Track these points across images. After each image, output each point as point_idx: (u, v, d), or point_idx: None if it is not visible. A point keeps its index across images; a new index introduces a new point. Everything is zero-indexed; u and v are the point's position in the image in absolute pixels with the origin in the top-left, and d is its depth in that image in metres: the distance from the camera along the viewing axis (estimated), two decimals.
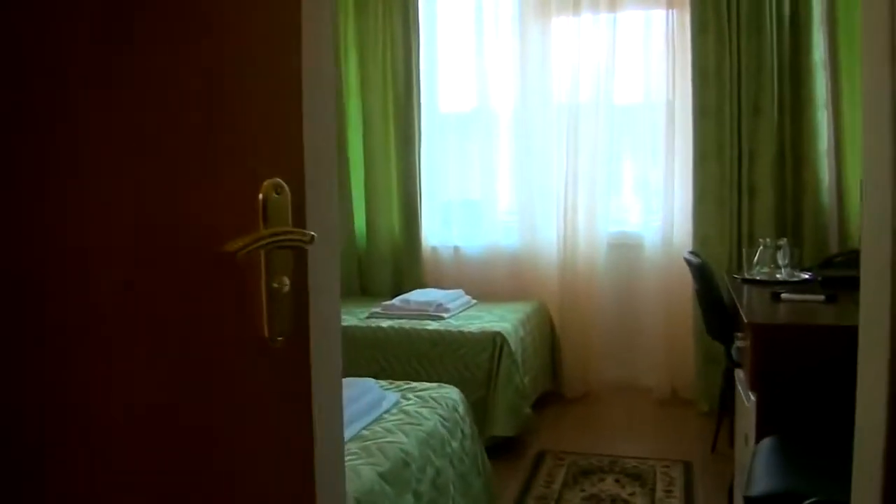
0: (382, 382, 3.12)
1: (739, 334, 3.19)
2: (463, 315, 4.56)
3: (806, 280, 3.72)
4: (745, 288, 3.67)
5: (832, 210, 4.61)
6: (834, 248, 4.59)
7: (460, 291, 4.92)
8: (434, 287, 5.26)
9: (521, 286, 5.24)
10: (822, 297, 3.14)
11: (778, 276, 3.79)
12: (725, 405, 4.08)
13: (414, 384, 3.14)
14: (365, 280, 5.52)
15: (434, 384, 3.17)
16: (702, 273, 3.55)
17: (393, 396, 2.90)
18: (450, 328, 4.25)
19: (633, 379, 5.21)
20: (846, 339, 2.57)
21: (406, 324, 4.36)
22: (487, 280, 5.30)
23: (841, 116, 4.54)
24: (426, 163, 5.36)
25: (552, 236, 5.14)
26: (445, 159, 5.45)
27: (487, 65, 5.23)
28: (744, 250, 3.97)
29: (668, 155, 4.92)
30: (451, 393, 3.05)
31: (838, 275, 3.61)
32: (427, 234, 5.41)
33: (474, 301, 4.96)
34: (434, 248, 5.44)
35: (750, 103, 4.62)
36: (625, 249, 5.20)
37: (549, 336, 5.06)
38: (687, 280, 4.18)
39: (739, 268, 4.43)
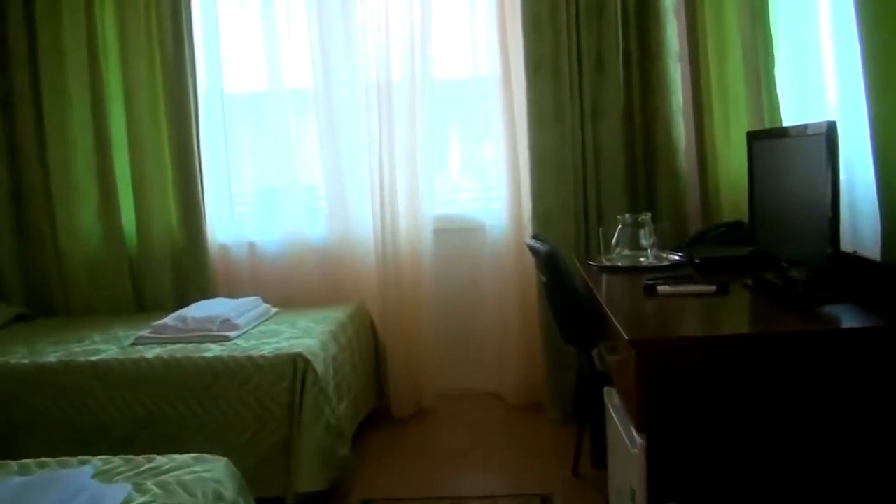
0: (115, 461, 2.12)
1: (608, 344, 2.40)
2: (257, 332, 3.59)
3: (677, 263, 2.99)
4: (605, 278, 2.90)
5: (691, 176, 3.94)
6: (695, 220, 3.93)
7: (256, 300, 3.94)
8: (226, 296, 4.26)
9: (335, 286, 4.32)
10: (711, 288, 2.39)
11: (642, 260, 3.05)
12: (583, 415, 3.33)
13: (159, 462, 2.14)
14: (140, 291, 4.41)
15: (191, 457, 2.18)
16: (551, 263, 2.73)
17: (119, 491, 1.90)
18: (236, 352, 3.27)
19: (476, 386, 4.42)
20: (772, 351, 1.88)
21: (179, 350, 3.34)
22: (292, 282, 4.34)
23: (699, 69, 3.86)
24: (209, 148, 4.34)
25: (368, 225, 4.23)
26: (235, 144, 4.45)
27: (281, 40, 4.27)
28: (600, 230, 3.19)
29: (509, 127, 4.13)
30: (215, 470, 2.09)
31: (717, 255, 2.90)
32: (214, 230, 4.38)
33: (275, 310, 3.99)
34: (224, 247, 4.42)
35: (592, 56, 3.87)
36: (461, 235, 4.37)
37: (371, 344, 4.16)
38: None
39: (589, 251, 3.68)
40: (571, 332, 2.85)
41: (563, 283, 2.72)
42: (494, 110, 4.14)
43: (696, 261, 2.91)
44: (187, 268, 4.29)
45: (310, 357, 3.19)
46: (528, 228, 4.01)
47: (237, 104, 4.45)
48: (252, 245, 4.41)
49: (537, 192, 3.91)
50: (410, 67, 4.11)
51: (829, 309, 2.07)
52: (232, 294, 4.34)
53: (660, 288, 2.43)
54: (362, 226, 4.25)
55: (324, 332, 3.54)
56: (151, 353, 3.34)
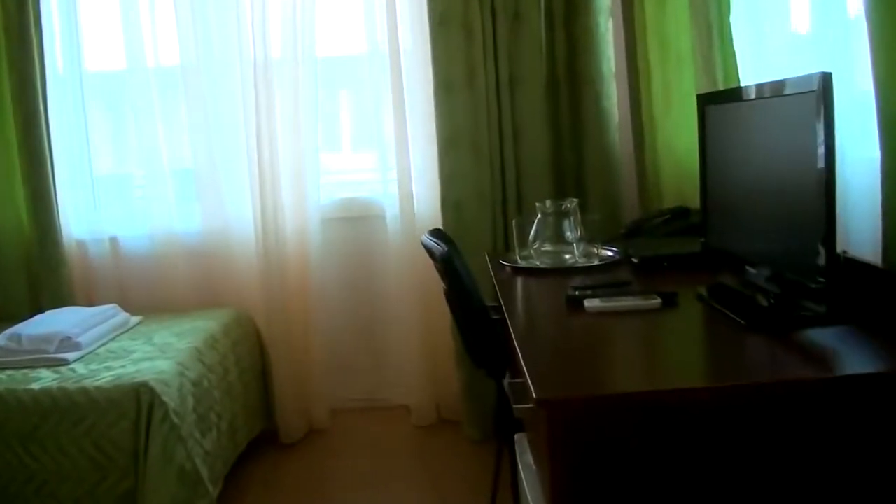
0: None
1: (518, 382, 1.80)
2: (104, 352, 2.92)
3: (610, 262, 2.42)
4: (519, 284, 2.31)
5: (626, 154, 3.37)
6: (630, 207, 3.37)
7: (112, 308, 3.27)
8: (84, 301, 3.60)
9: (211, 289, 3.67)
10: (655, 303, 1.81)
11: (567, 257, 2.46)
12: (505, 434, 2.75)
13: None
14: None
15: None
16: (448, 269, 2.12)
17: None
18: (68, 383, 2.60)
19: (379, 399, 3.81)
20: (740, 408, 1.31)
21: (5, 381, 2.66)
22: (161, 285, 3.67)
23: (634, 24, 3.28)
24: (63, 129, 3.61)
25: (247, 216, 3.57)
26: (94, 127, 3.73)
27: (142, 15, 3.56)
28: (514, 221, 2.58)
29: (417, 101, 3.50)
30: None
31: (661, 252, 2.33)
32: (69, 224, 3.67)
33: (136, 320, 3.33)
34: (81, 243, 3.71)
35: (508, 11, 3.26)
36: (357, 225, 3.75)
37: (256, 357, 3.52)
38: None
39: (508, 247, 3.10)
40: (478, 354, 2.25)
41: (462, 293, 2.11)
42: (392, 83, 3.49)
43: (634, 259, 2.34)
44: (38, 268, 3.59)
45: (157, 387, 2.54)
46: (431, 215, 3.42)
47: (96, 84, 3.72)
48: (114, 241, 3.71)
49: (447, 176, 3.31)
50: (293, 44, 3.47)
51: (816, 336, 1.51)
52: (91, 299, 3.67)
53: (587, 302, 1.85)
54: (241, 218, 3.59)
55: (184, 349, 2.90)
56: None
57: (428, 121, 3.42)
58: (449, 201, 3.31)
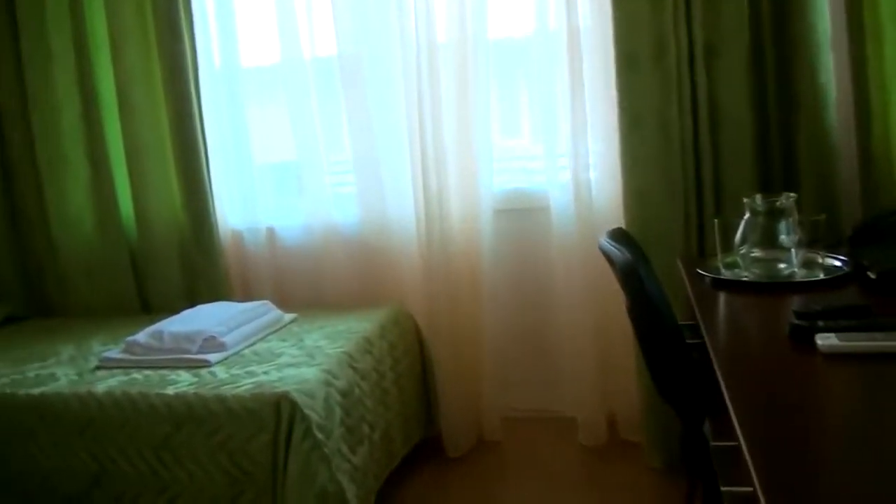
0: None
1: (728, 446, 1.38)
2: (249, 353, 2.71)
3: (839, 276, 1.93)
4: (722, 301, 1.87)
5: (849, 140, 2.82)
6: (852, 202, 2.81)
7: (265, 305, 3.07)
8: (241, 293, 3.47)
9: (371, 282, 3.42)
10: None
11: (782, 266, 2.00)
12: (695, 466, 2.32)
13: None
14: (144, 288, 3.62)
15: None
16: (632, 282, 1.71)
17: None
18: (205, 388, 2.40)
19: (549, 413, 3.44)
20: None
21: (139, 384, 2.50)
22: (319, 276, 3.46)
23: None
24: (218, 123, 3.48)
25: (408, 206, 3.28)
26: (250, 119, 3.52)
27: (297, 8, 3.33)
28: (716, 221, 2.13)
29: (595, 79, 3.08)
30: None
31: None
32: (225, 213, 3.53)
33: (290, 318, 3.12)
34: (237, 233, 3.57)
35: None
36: (525, 217, 3.39)
37: (416, 358, 3.24)
38: None
39: (703, 251, 2.64)
40: (664, 390, 1.84)
41: (649, 313, 1.70)
42: (569, 61, 3.06)
43: (871, 274, 1.85)
44: (195, 258, 3.46)
45: (300, 399, 2.29)
46: (603, 208, 3.03)
47: (252, 78, 3.53)
48: (270, 231, 3.53)
49: (629, 162, 2.87)
50: (460, 27, 3.13)
51: None
52: (248, 291, 3.52)
53: (820, 339, 1.41)
54: (402, 209, 3.31)
55: (335, 354, 2.63)
56: (104, 385, 2.52)
57: (606, 103, 3.00)
58: (631, 190, 2.87)
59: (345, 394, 2.54)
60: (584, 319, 3.16)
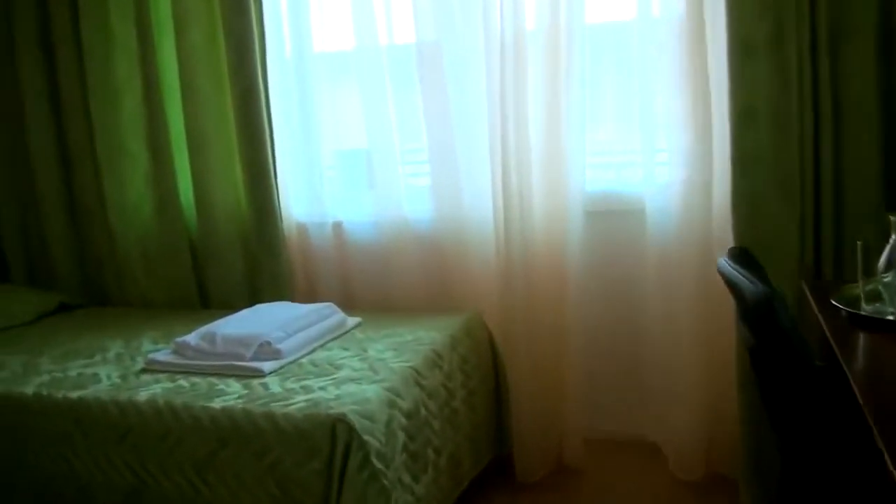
0: None
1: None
2: (307, 363, 2.46)
3: None
4: (863, 344, 1.53)
5: None
6: None
7: (327, 307, 2.81)
8: (305, 292, 3.26)
9: (441, 284, 3.14)
10: None
11: None
12: None
13: None
14: (204, 281, 3.42)
15: None
16: (769, 321, 1.37)
17: None
18: (255, 403, 2.15)
19: (638, 438, 3.11)
20: None
21: (184, 393, 2.28)
22: (388, 275, 3.20)
23: None
24: (286, 111, 3.24)
25: (486, 203, 2.98)
26: (319, 106, 3.25)
27: None
28: (859, 244, 1.77)
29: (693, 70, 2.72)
30: None
31: None
32: (290, 205, 3.30)
33: (354, 322, 2.86)
34: (302, 226, 3.33)
35: None
36: (617, 220, 3.06)
37: (489, 372, 2.95)
38: None
39: (819, 261, 2.29)
40: (784, 429, 1.50)
41: (785, 358, 1.36)
42: (682, 47, 2.71)
43: None
44: (257, 251, 3.24)
45: (358, 423, 2.02)
46: (702, 212, 2.69)
47: (323, 65, 3.27)
48: (338, 226, 3.29)
49: (740, 158, 2.51)
50: (552, 12, 2.80)
51: None
52: (313, 290, 3.29)
53: None
54: (479, 206, 3.01)
55: (400, 369, 2.36)
56: (146, 393, 2.30)
57: (715, 95, 2.65)
58: (741, 192, 2.52)
59: (410, 415, 2.26)
60: (680, 337, 2.81)
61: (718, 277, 1.68)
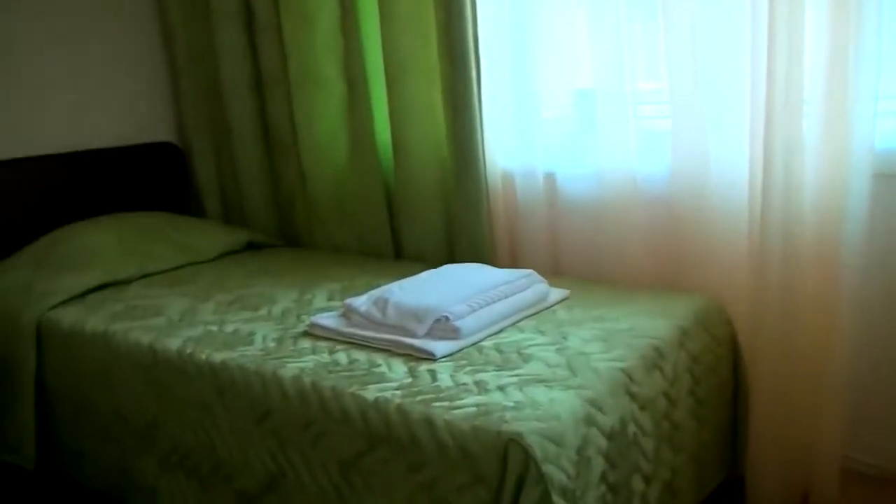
0: None
1: None
2: (489, 347, 1.96)
3: None
4: None
5: None
6: None
7: (527, 275, 2.28)
8: (506, 252, 2.76)
9: (672, 258, 2.52)
10: None
11: None
12: None
13: None
14: (398, 229, 3.03)
15: None
16: None
17: None
18: (414, 401, 1.68)
19: None
20: None
21: (342, 370, 1.86)
22: (606, 240, 2.62)
23: None
24: (497, 36, 2.70)
25: (742, 162, 2.31)
26: (532, 42, 2.65)
27: None
28: None
29: None
30: None
31: None
32: (496, 150, 2.79)
33: (558, 294, 2.32)
34: (508, 175, 2.82)
35: None
36: None
37: (727, 379, 2.30)
38: None
39: None
40: None
41: None
42: None
43: None
44: (455, 204, 2.78)
45: (538, 446, 1.50)
46: None
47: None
48: (550, 178, 2.74)
49: None
50: None
51: None
52: (514, 252, 2.80)
53: None
54: (732, 162, 2.35)
55: (606, 371, 1.80)
56: (295, 367, 1.91)
57: None
58: None
59: (612, 436, 1.71)
60: None
61: None
